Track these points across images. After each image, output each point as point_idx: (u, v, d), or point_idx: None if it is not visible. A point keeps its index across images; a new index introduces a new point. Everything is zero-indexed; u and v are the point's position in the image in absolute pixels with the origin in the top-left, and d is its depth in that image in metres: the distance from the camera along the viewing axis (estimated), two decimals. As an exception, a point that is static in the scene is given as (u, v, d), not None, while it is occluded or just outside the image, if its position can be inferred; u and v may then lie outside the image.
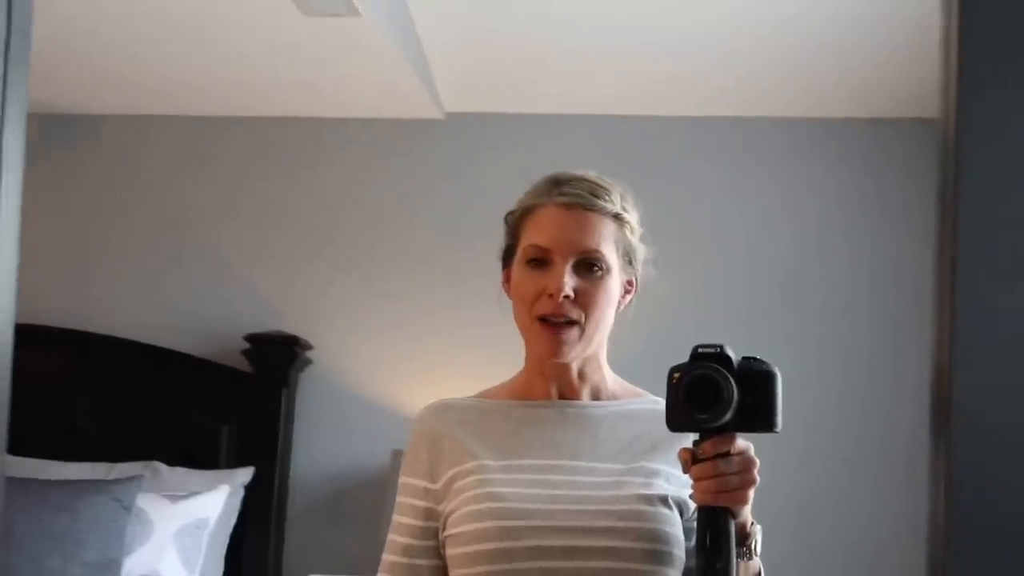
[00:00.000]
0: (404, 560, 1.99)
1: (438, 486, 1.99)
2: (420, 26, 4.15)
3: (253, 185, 4.80)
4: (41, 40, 4.08)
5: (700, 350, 1.80)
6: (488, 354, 4.25)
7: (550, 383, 2.04)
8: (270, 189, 4.79)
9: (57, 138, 4.83)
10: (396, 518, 2.04)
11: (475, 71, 4.44)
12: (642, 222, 2.06)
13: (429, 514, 1.99)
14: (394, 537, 2.03)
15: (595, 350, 2.03)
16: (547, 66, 4.36)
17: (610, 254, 1.98)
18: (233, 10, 3.80)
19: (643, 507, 1.90)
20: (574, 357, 1.99)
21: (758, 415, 1.79)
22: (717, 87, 4.43)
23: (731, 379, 1.76)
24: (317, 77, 4.37)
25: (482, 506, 1.91)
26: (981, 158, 0.84)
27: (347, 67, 4.22)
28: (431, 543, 1.99)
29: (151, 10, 3.85)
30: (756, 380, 1.80)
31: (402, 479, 2.05)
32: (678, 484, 1.93)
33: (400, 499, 2.03)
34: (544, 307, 1.95)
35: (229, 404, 4.56)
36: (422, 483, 2.01)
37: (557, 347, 1.96)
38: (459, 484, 1.96)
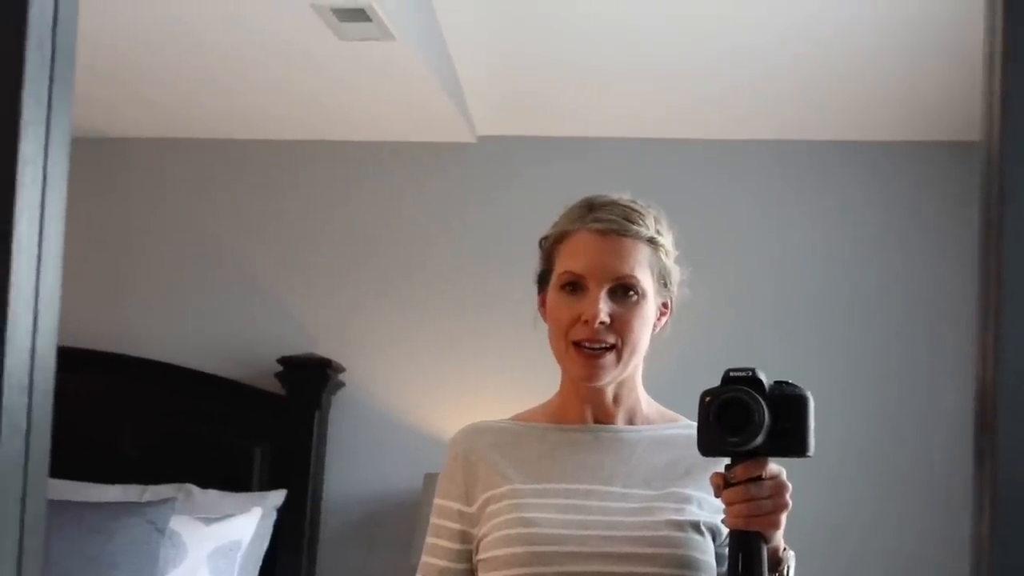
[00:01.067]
0: None
1: (473, 509, 1.99)
2: (453, 50, 4.17)
3: (286, 208, 4.82)
4: (78, 64, 4.10)
5: (732, 374, 1.80)
6: (520, 377, 4.25)
7: (585, 407, 2.04)
8: (303, 212, 4.81)
9: (92, 161, 4.86)
10: (431, 540, 2.04)
11: (508, 95, 4.44)
12: (676, 244, 2.06)
13: (464, 537, 1.99)
14: (429, 559, 2.03)
15: (631, 374, 2.03)
16: (580, 90, 4.36)
17: (645, 279, 1.98)
18: (269, 35, 3.82)
19: (674, 533, 1.89)
20: (610, 381, 1.99)
21: (790, 439, 1.79)
22: (750, 110, 4.43)
23: (762, 403, 1.76)
24: (351, 101, 4.38)
25: (514, 531, 1.91)
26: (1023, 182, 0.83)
27: (381, 91, 4.24)
28: (466, 566, 1.99)
29: (184, 35, 3.88)
30: (788, 404, 1.79)
31: (437, 501, 2.05)
32: (711, 510, 1.92)
33: (435, 520, 2.04)
34: (580, 333, 1.95)
35: (262, 427, 4.56)
36: (457, 506, 2.01)
37: (593, 371, 1.96)
38: (492, 508, 1.96)
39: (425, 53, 3.94)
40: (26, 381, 0.64)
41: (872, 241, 4.49)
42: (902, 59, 3.98)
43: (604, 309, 1.93)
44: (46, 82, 0.63)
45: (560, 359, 2.01)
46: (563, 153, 4.66)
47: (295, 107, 4.50)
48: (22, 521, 0.64)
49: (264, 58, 4.01)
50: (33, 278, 0.63)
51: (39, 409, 0.66)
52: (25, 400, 0.64)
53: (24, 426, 0.64)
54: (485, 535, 1.95)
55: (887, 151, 4.51)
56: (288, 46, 3.89)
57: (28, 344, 0.64)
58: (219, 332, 4.77)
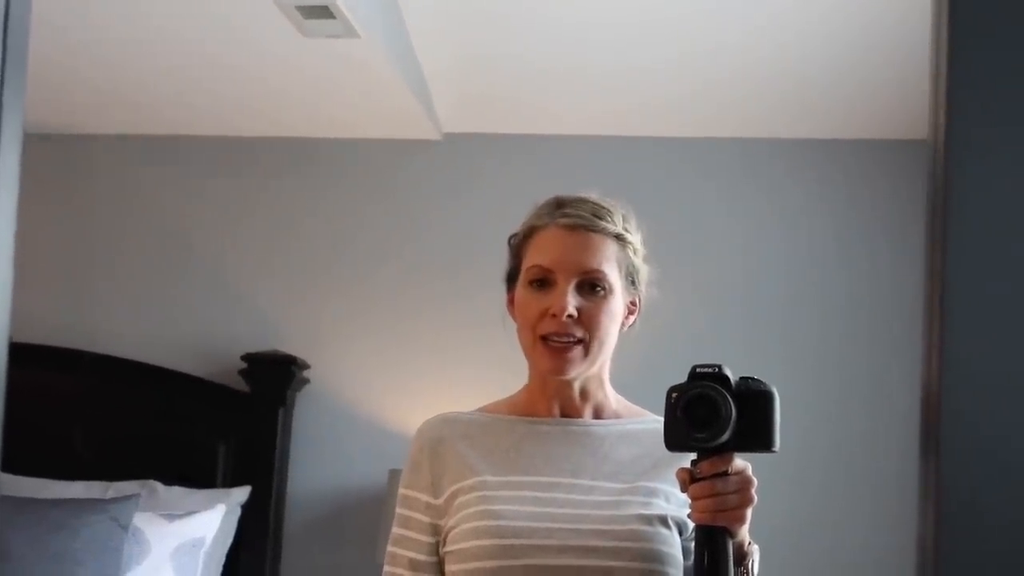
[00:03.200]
0: (410, 574, 2.00)
1: (440, 501, 2.00)
2: (418, 47, 4.17)
3: (251, 205, 4.81)
4: (39, 61, 4.10)
5: (699, 370, 1.81)
6: (486, 374, 4.26)
7: (552, 401, 2.05)
8: (268, 209, 4.80)
9: (55, 158, 4.84)
10: (399, 531, 2.03)
11: (473, 92, 4.45)
12: (645, 243, 2.08)
13: (434, 530, 1.99)
14: (397, 550, 2.02)
15: (598, 369, 2.04)
16: (545, 87, 4.37)
17: (612, 274, 1.99)
18: (233, 31, 3.81)
19: (641, 527, 1.90)
20: (577, 375, 2.00)
21: (756, 435, 1.80)
22: (715, 108, 4.44)
23: (729, 398, 1.77)
24: (316, 98, 4.38)
25: (481, 523, 1.91)
26: (969, 178, 0.84)
27: (346, 88, 4.23)
28: (435, 559, 1.99)
29: (150, 31, 3.87)
30: (754, 400, 1.80)
31: (403, 491, 2.04)
32: (677, 504, 1.94)
33: (402, 511, 2.03)
34: (547, 327, 1.96)
35: (226, 423, 4.55)
36: (425, 497, 2.01)
37: (560, 364, 1.97)
38: (460, 500, 1.97)
39: (390, 50, 3.94)
40: (-22, 374, 0.64)
41: (835, 239, 4.52)
42: (861, 60, 4.01)
43: (571, 302, 1.94)
44: (-3, 79, 0.63)
45: (528, 354, 2.02)
46: (529, 150, 4.66)
47: (261, 104, 4.49)
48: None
49: (229, 54, 4.00)
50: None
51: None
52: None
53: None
54: (453, 527, 1.95)
55: (847, 149, 4.53)
56: (253, 42, 3.89)
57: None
58: (184, 329, 4.76)
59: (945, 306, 0.83)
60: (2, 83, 0.61)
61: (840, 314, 4.47)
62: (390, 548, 2.04)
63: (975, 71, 0.85)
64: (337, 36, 3.70)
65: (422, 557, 1.99)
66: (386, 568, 2.04)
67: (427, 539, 2.00)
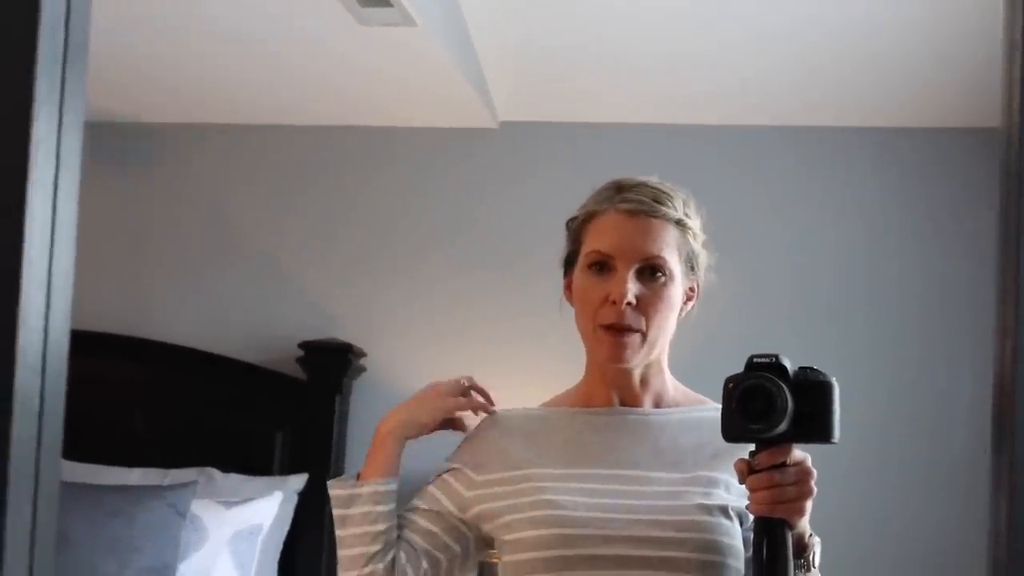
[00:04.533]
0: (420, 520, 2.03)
1: (480, 478, 2.02)
2: (475, 35, 4.16)
3: (307, 193, 4.82)
4: (94, 50, 4.11)
5: (755, 360, 1.79)
6: (542, 363, 4.25)
7: (611, 390, 2.04)
8: (324, 197, 4.81)
9: (115, 147, 4.87)
10: (429, 488, 2.08)
11: (529, 80, 4.44)
12: (704, 228, 2.06)
13: (461, 503, 2.02)
14: (417, 502, 2.07)
15: (657, 356, 2.02)
16: (602, 75, 4.35)
17: (673, 260, 1.97)
18: (289, 21, 3.82)
19: (701, 517, 1.89)
20: (637, 363, 1.98)
21: (814, 425, 1.78)
22: (769, 96, 4.41)
23: (785, 389, 1.75)
24: (372, 87, 4.38)
25: (539, 513, 1.91)
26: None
27: (402, 77, 4.23)
28: (439, 529, 2.02)
29: (208, 22, 3.88)
30: (812, 390, 1.78)
31: (448, 464, 2.09)
32: (738, 493, 1.92)
33: (441, 476, 2.08)
34: (607, 316, 1.94)
35: (283, 411, 4.58)
36: (467, 471, 2.04)
37: (620, 352, 1.95)
38: (506, 489, 1.96)
39: (446, 38, 3.94)
40: (39, 363, 0.64)
41: (891, 228, 4.48)
42: (921, 45, 3.96)
43: (632, 289, 1.92)
44: (59, 63, 0.63)
45: (587, 341, 2.00)
46: (585, 139, 4.65)
47: (316, 93, 4.50)
48: (35, 501, 0.64)
49: (285, 44, 4.01)
50: (46, 258, 0.64)
51: (52, 390, 0.66)
52: (38, 381, 0.65)
53: (37, 408, 0.65)
54: (502, 516, 1.95)
55: (907, 137, 4.49)
56: (308, 31, 3.89)
57: (41, 325, 0.64)
58: (241, 317, 4.78)
59: (1020, 293, 0.82)
60: (64, 66, 0.61)
61: (894, 304, 4.43)
62: (414, 501, 2.08)
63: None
64: (394, 24, 3.70)
65: (430, 524, 2.03)
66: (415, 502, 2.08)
67: (448, 504, 2.03)
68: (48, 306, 0.64)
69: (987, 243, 4.06)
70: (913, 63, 4.07)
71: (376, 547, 1.97)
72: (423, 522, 2.03)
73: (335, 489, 2.01)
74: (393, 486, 2.01)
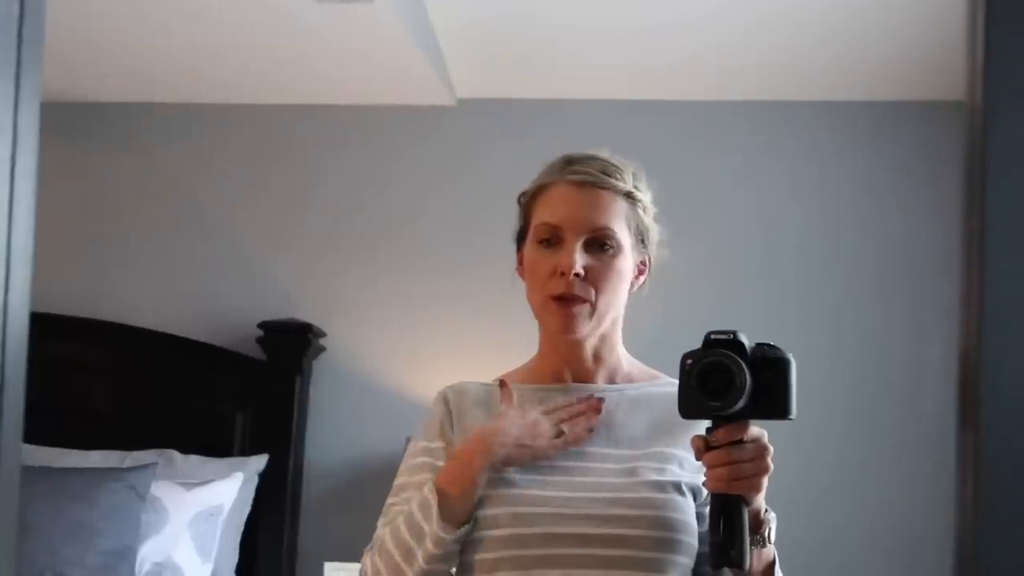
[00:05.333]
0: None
1: (441, 449, 1.98)
2: (432, 11, 4.15)
3: (266, 173, 4.80)
4: (55, 28, 4.09)
5: (713, 336, 1.79)
6: (502, 341, 4.25)
7: (564, 366, 2.03)
8: (282, 177, 4.79)
9: (71, 126, 4.83)
10: (408, 479, 1.99)
11: (487, 57, 4.43)
12: (655, 202, 2.05)
13: None
14: (398, 501, 1.98)
15: (608, 330, 2.01)
16: (559, 51, 4.35)
17: (622, 232, 1.96)
18: (245, -3, 3.80)
19: (655, 494, 1.89)
20: (586, 334, 1.97)
21: (772, 402, 1.78)
22: (729, 71, 4.42)
23: (744, 366, 1.75)
24: (329, 64, 4.36)
25: (495, 492, 1.90)
26: (1009, 142, 0.83)
27: (359, 54, 4.22)
28: None
29: (163, -3, 3.86)
30: (770, 367, 1.78)
31: (420, 444, 2.02)
32: (692, 469, 1.92)
33: (417, 460, 2.00)
34: (556, 287, 1.93)
35: (243, 392, 4.56)
36: (441, 445, 1.99)
37: (569, 322, 1.94)
38: None
39: (403, 15, 3.92)
40: (-1, 338, 0.63)
41: (852, 201, 4.50)
42: (881, 17, 3.97)
43: (579, 260, 1.92)
44: (14, 37, 0.62)
45: (537, 314, 2.00)
46: (543, 115, 4.64)
47: (274, 70, 4.47)
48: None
49: (242, 20, 3.99)
50: (5, 233, 0.63)
51: (12, 366, 0.65)
52: (-1, 358, 0.64)
53: (-3, 383, 0.63)
54: None
55: (866, 111, 4.51)
56: (265, 7, 3.87)
57: (0, 300, 0.63)
58: (200, 297, 4.76)
59: (984, 270, 0.82)
60: (20, 41, 0.60)
61: (857, 279, 4.45)
62: (390, 500, 1.99)
63: (1013, 28, 0.83)
64: (350, 0, 3.68)
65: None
66: (380, 522, 1.98)
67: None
68: (7, 283, 0.63)
69: (950, 215, 4.09)
70: (873, 36, 4.08)
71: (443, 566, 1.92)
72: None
73: (444, 532, 1.87)
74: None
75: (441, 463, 1.96)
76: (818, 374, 4.12)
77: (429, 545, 1.85)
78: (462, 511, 1.86)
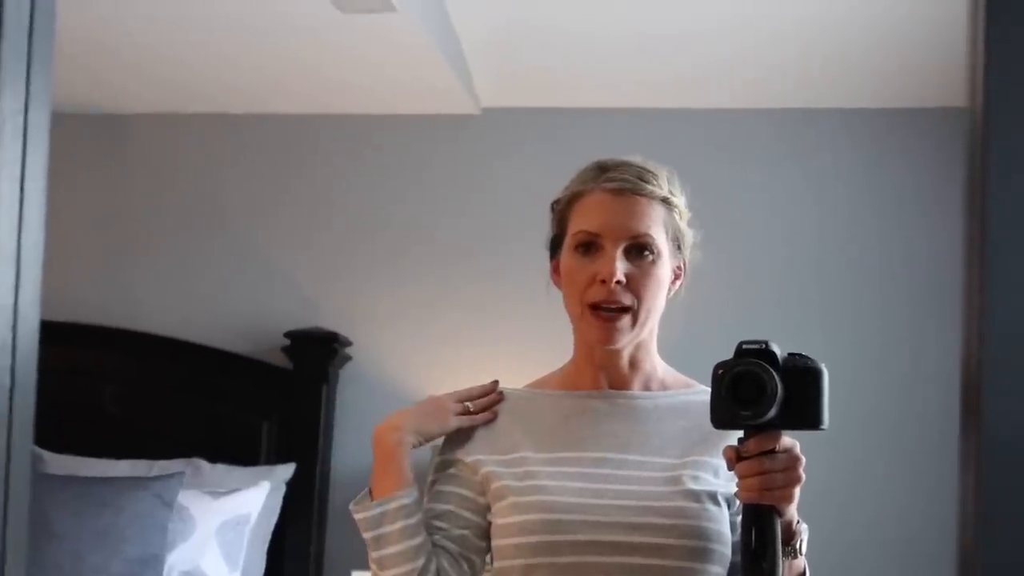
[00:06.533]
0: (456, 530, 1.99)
1: (475, 459, 1.99)
2: (456, 21, 4.16)
3: (291, 182, 4.82)
4: (80, 41, 4.12)
5: (745, 346, 1.77)
6: (529, 349, 4.26)
7: (600, 373, 2.01)
8: (307, 186, 4.81)
9: (97, 138, 4.86)
10: (442, 488, 2.03)
11: (511, 66, 4.44)
12: (689, 206, 2.05)
13: (480, 488, 1.98)
14: (440, 506, 2.02)
15: (646, 337, 2.00)
16: (584, 60, 4.35)
17: (660, 238, 1.95)
18: (269, 7, 3.81)
19: (689, 503, 1.88)
20: (626, 344, 1.96)
21: (804, 412, 1.77)
22: (753, 79, 4.41)
23: (775, 376, 1.73)
24: (353, 74, 4.38)
25: (527, 498, 1.89)
26: (1009, 147, 0.83)
27: (383, 63, 4.23)
28: (480, 520, 1.99)
29: (186, 9, 3.87)
30: (802, 376, 1.77)
31: (441, 458, 2.04)
32: (726, 478, 1.90)
33: (441, 474, 2.03)
34: (596, 295, 1.92)
35: (270, 401, 4.57)
36: (470, 459, 1.99)
37: (609, 334, 1.93)
38: (501, 471, 1.95)
39: (427, 24, 3.93)
40: (9, 338, 0.64)
41: (873, 209, 4.48)
42: (895, 27, 3.97)
43: (620, 268, 1.90)
44: (25, 38, 0.63)
45: (576, 323, 1.98)
46: (567, 124, 4.64)
47: (298, 81, 4.50)
48: (7, 479, 0.64)
49: (265, 30, 4.00)
50: (14, 234, 0.64)
51: (23, 367, 0.66)
52: (8, 358, 0.65)
53: (8, 383, 0.65)
54: (495, 500, 1.94)
55: (883, 118, 4.49)
56: (289, 18, 3.88)
57: (10, 301, 0.64)
58: (227, 307, 4.78)
59: (986, 277, 0.82)
60: (31, 42, 0.62)
61: (876, 286, 4.44)
62: (432, 503, 2.02)
63: (1014, 35, 0.84)
64: (373, 10, 3.69)
65: (456, 506, 2.00)
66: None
67: (468, 492, 1.99)
68: (17, 284, 0.64)
69: (955, 220, 4.06)
70: (892, 43, 4.08)
71: (421, 560, 1.91)
72: (451, 527, 1.99)
73: (360, 513, 1.95)
74: (416, 495, 1.97)
75: (463, 473, 2.01)
76: (841, 382, 4.10)
77: (366, 537, 1.94)
78: (389, 484, 1.97)
